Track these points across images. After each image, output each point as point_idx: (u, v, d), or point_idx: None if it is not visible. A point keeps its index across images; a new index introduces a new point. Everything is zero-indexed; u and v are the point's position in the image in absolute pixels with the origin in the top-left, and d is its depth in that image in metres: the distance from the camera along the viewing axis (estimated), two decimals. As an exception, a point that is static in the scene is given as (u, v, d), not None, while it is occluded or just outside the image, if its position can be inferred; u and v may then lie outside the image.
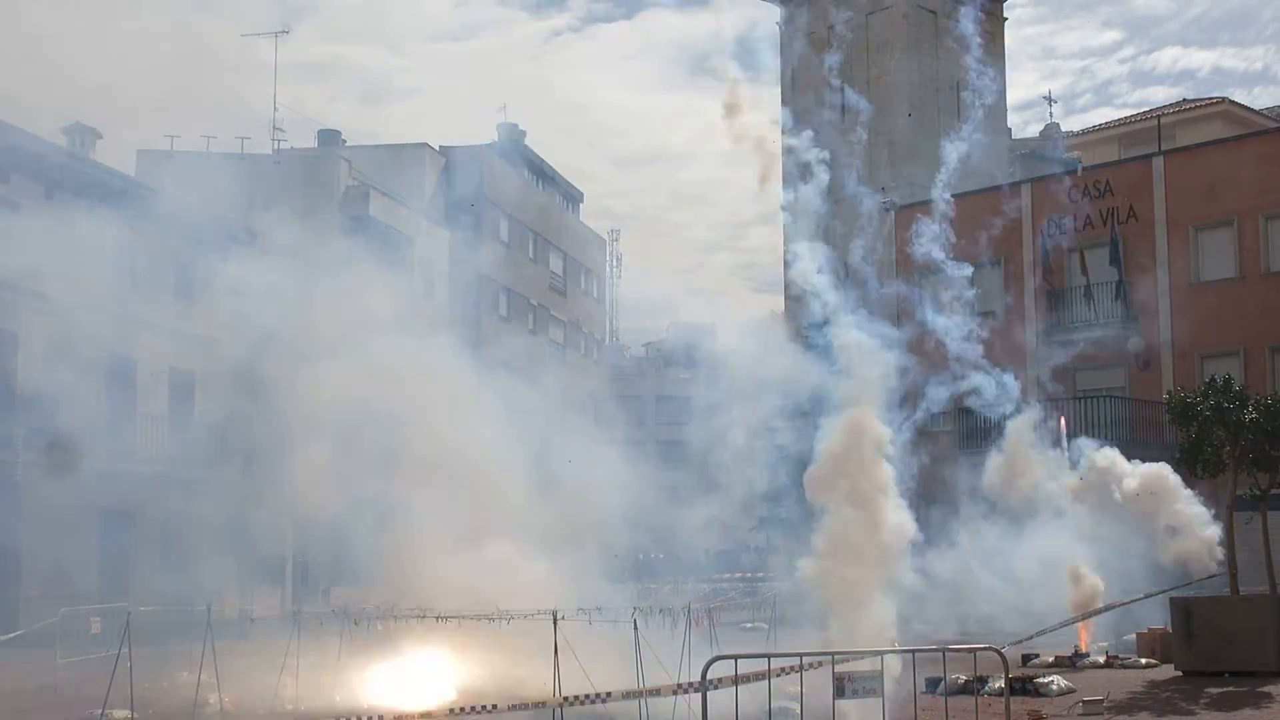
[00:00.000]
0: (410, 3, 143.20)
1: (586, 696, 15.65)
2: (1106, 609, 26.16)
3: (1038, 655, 24.17)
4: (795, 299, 50.42)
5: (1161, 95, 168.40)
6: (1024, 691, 19.17)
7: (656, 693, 16.05)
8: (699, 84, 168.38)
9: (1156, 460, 32.30)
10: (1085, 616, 25.93)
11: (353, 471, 21.94)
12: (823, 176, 27.22)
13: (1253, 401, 22.14)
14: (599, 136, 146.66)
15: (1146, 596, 26.73)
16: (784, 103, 54.74)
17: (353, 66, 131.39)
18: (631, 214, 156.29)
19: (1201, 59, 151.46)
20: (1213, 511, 24.82)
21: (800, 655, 14.48)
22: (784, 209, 55.27)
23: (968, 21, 46.53)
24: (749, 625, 26.60)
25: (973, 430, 38.95)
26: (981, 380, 35.51)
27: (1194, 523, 25.28)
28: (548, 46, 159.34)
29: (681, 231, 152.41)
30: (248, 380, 26.13)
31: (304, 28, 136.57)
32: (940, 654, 14.98)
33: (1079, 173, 41.32)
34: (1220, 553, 24.36)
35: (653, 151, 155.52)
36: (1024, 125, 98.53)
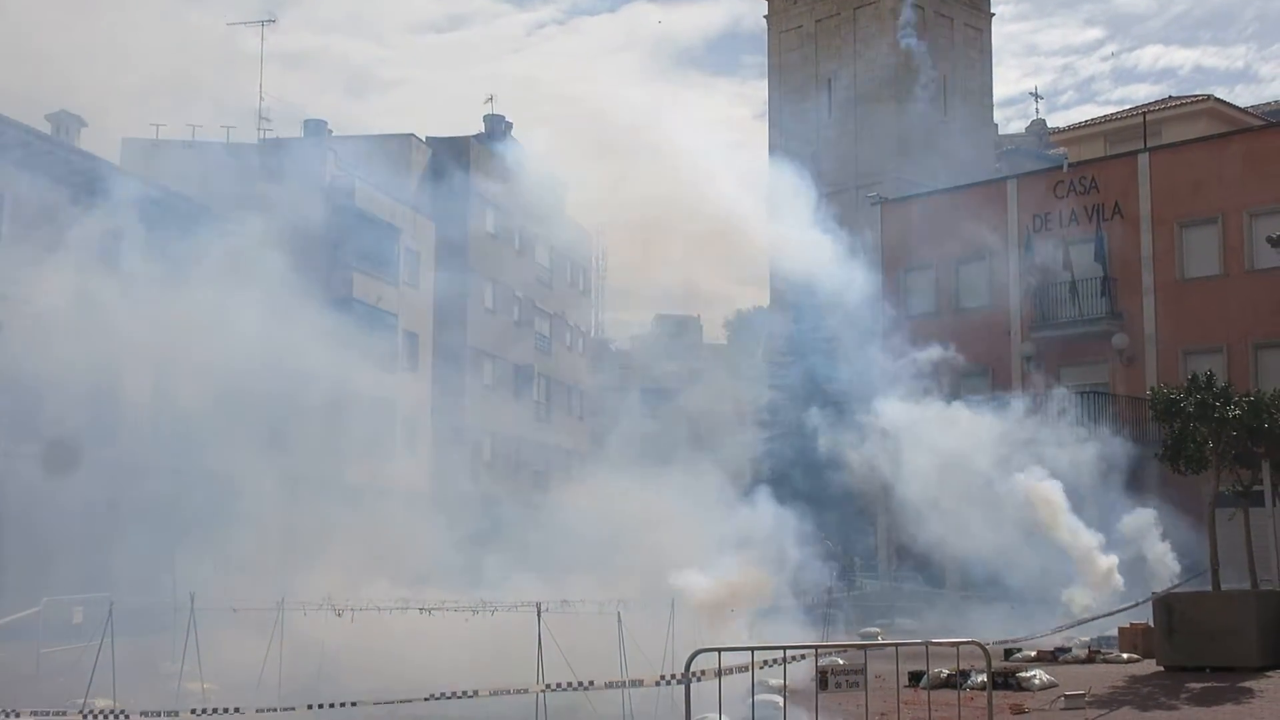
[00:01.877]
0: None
1: (568, 684, 15.66)
2: (1094, 619, 26.29)
3: (1020, 649, 24.26)
4: (780, 293, 50.53)
5: (1143, 93, 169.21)
6: (1006, 685, 19.24)
7: (639, 684, 16.07)
8: (683, 77, 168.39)
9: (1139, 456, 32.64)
10: (1074, 624, 26.08)
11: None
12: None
13: (1236, 398, 22.24)
14: (582, 128, 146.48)
15: (1134, 605, 26.84)
16: (770, 96, 54.81)
17: (336, 57, 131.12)
18: (615, 206, 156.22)
19: (1183, 57, 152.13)
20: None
21: (784, 648, 14.50)
22: (768, 203, 55.32)
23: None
24: (731, 611, 26.58)
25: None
26: None
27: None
28: (531, 39, 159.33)
29: (665, 224, 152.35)
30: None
31: (286, 18, 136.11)
32: (923, 647, 15.01)
33: (1065, 169, 41.39)
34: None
35: (636, 144, 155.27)
36: (1007, 121, 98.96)
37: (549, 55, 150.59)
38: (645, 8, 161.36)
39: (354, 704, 14.71)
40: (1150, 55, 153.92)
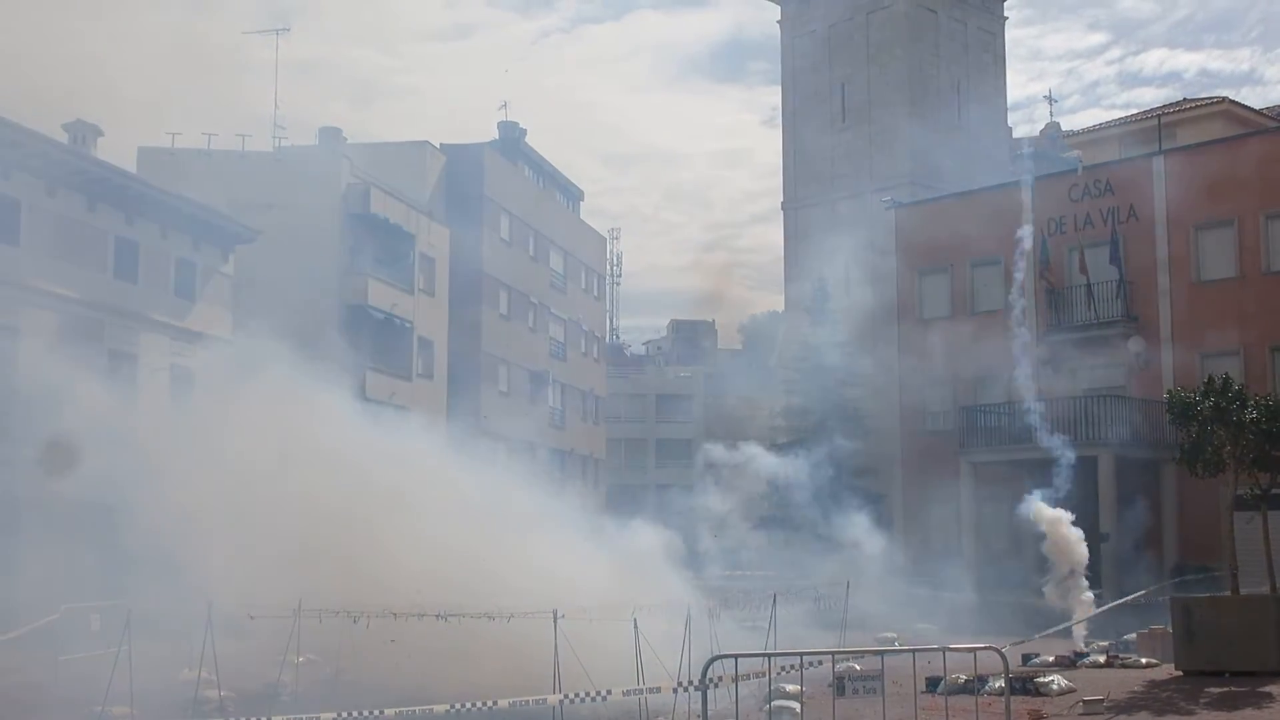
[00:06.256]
0: (399, 3, 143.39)
1: (586, 694, 15.66)
2: (1105, 609, 26.26)
3: (1038, 654, 24.19)
4: (795, 297, 50.51)
5: (1149, 97, 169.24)
6: (1024, 691, 19.16)
7: (656, 691, 16.06)
8: (688, 84, 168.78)
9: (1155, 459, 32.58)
10: (1085, 618, 26.03)
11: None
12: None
13: (1253, 401, 22.13)
14: (590, 136, 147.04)
15: (1145, 594, 26.82)
16: (784, 102, 54.77)
17: (344, 66, 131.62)
18: (625, 213, 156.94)
19: (1188, 61, 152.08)
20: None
21: (800, 654, 14.49)
22: (783, 208, 55.47)
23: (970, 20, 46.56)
24: (750, 624, 26.62)
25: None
26: None
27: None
28: (537, 47, 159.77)
29: (675, 231, 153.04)
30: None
31: (295, 28, 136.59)
32: (941, 653, 14.98)
33: (1079, 172, 41.27)
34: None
35: (644, 152, 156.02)
36: (1015, 126, 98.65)
37: (555, 63, 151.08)
38: (650, 16, 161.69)
39: (381, 713, 14.70)
40: (1155, 59, 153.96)
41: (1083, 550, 27.06)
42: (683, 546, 25.68)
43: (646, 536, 24.93)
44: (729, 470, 34.85)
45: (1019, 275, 40.03)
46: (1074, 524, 28.31)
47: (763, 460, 34.90)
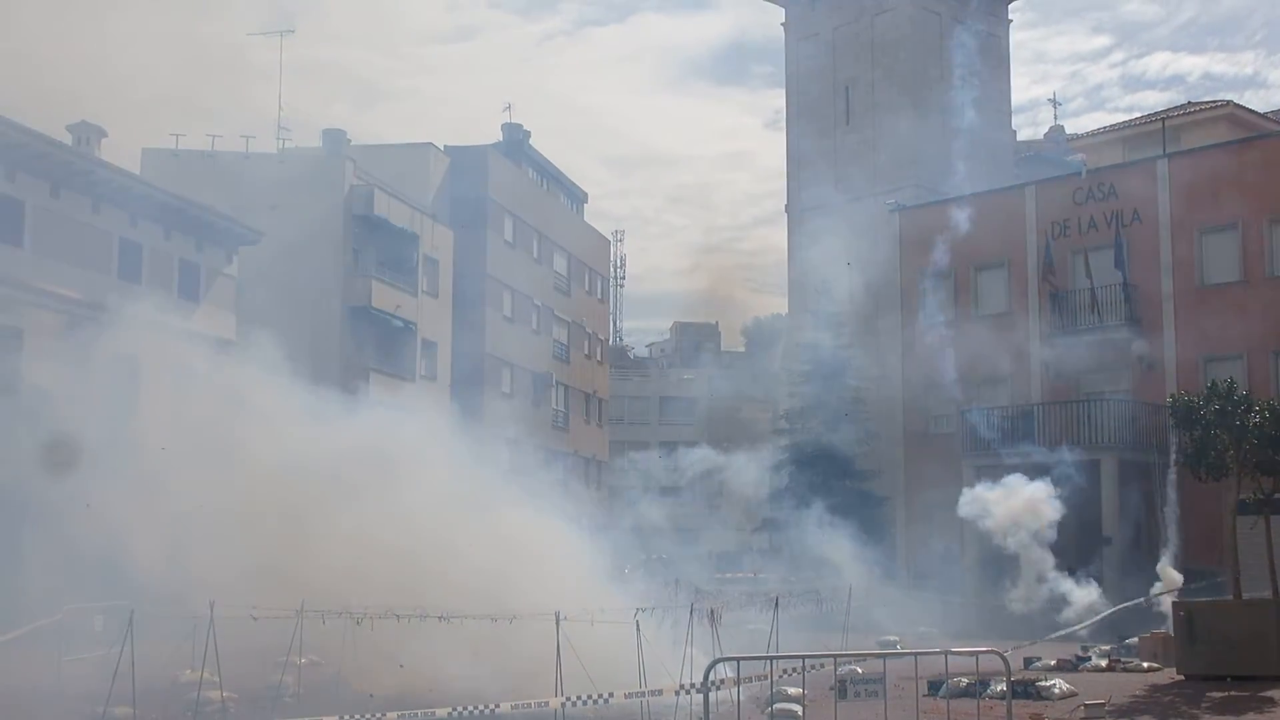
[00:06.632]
0: (403, 5, 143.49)
1: (588, 697, 15.67)
2: (1106, 615, 26.24)
3: (1040, 658, 24.19)
4: (798, 300, 50.50)
5: (1152, 100, 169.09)
6: (1026, 694, 19.15)
7: (659, 693, 16.06)
8: (692, 87, 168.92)
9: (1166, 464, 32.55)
10: (1088, 624, 26.02)
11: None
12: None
13: (1257, 406, 22.12)
14: (593, 139, 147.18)
15: (1147, 600, 26.81)
16: (788, 104, 54.75)
17: (348, 68, 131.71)
18: (628, 215, 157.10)
19: (1191, 64, 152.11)
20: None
21: (803, 657, 14.50)
22: (787, 211, 55.46)
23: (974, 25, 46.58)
24: (752, 626, 26.63)
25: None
26: None
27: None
28: (540, 50, 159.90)
29: (678, 233, 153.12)
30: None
31: (298, 30, 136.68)
32: (943, 656, 14.98)
33: (1083, 175, 41.24)
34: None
35: (647, 154, 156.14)
36: (1018, 129, 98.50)
37: (558, 66, 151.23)
38: (653, 18, 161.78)
39: (383, 716, 14.72)
40: (1159, 62, 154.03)
41: (1047, 511, 27.00)
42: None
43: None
44: (668, 475, 34.99)
45: (941, 258, 40.22)
46: (1075, 528, 28.36)
47: (711, 462, 34.93)
